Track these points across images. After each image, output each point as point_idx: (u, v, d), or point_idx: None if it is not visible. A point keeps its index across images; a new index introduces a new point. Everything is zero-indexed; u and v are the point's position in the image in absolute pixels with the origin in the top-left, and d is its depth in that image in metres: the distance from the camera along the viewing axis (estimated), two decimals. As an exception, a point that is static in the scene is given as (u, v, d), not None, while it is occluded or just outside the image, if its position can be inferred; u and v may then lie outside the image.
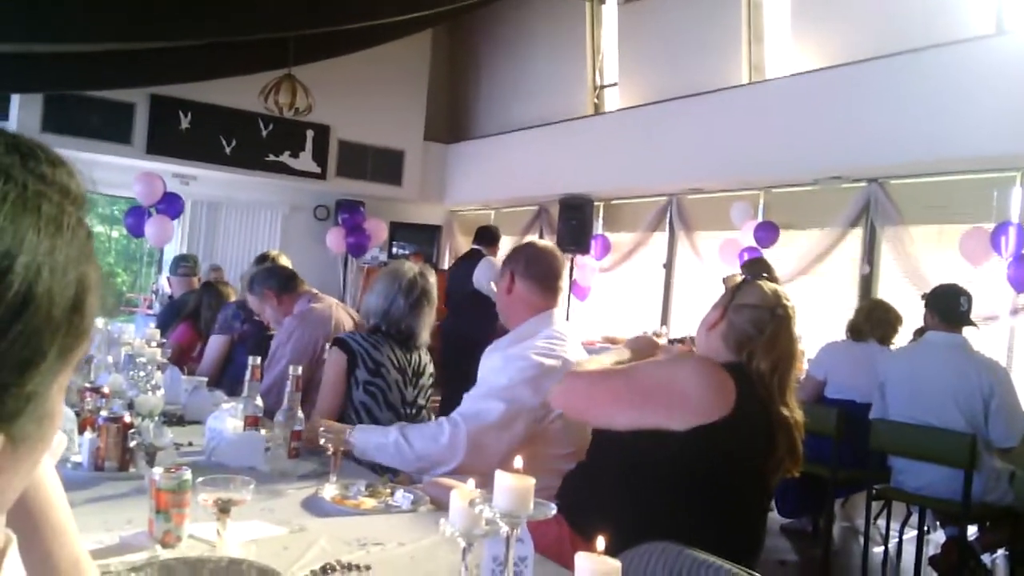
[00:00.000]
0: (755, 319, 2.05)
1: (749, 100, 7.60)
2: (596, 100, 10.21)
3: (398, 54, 10.28)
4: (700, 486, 1.97)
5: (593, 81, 10.22)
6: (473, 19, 11.38)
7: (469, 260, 6.89)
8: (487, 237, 7.05)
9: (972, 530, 4.42)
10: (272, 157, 10.32)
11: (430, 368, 3.17)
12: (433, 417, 3.20)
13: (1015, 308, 6.09)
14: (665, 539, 1.74)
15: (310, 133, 10.49)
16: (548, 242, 2.78)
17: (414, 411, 3.09)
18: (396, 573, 1.59)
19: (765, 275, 2.25)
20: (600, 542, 0.97)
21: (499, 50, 11.66)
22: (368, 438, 2.40)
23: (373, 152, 10.97)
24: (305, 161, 10.57)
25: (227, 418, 2.33)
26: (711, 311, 2.16)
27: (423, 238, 11.89)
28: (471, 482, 1.17)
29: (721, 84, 7.91)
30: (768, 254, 7.43)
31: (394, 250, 11.56)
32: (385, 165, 11.09)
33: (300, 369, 2.39)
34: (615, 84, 9.89)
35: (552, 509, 1.12)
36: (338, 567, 1.57)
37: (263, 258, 4.69)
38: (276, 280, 3.87)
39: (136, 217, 8.68)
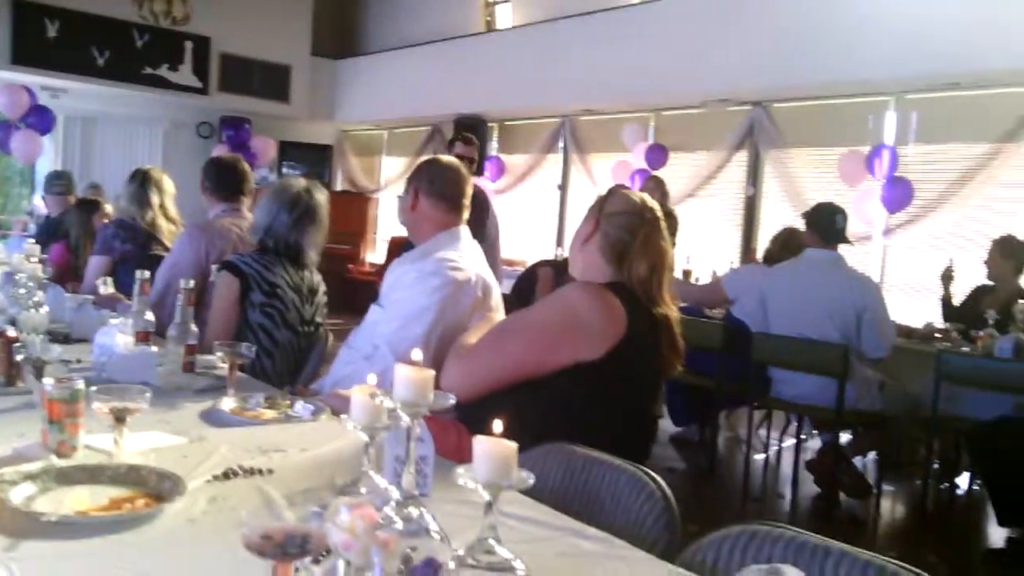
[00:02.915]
0: (627, 224, 2.12)
1: (641, 20, 7.63)
2: (488, 17, 10.05)
3: (282, -38, 9.86)
4: (601, 398, 2.04)
5: (485, -2, 10.05)
6: (362, -71, 10.96)
7: None
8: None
9: (845, 436, 4.74)
10: (149, 70, 9.79)
11: (323, 286, 3.15)
12: (331, 338, 3.19)
13: (888, 228, 6.43)
14: (565, 440, 1.81)
15: (189, 45, 9.98)
16: (452, 159, 2.76)
17: (312, 328, 3.08)
18: (299, 476, 1.59)
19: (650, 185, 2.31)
20: (497, 424, 1.00)
21: (389, -37, 11.29)
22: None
23: (258, 67, 10.55)
24: (185, 75, 10.08)
25: (116, 334, 2.26)
26: (583, 225, 2.21)
27: (314, 158, 11.60)
28: (372, 377, 1.19)
29: (614, 3, 7.91)
30: (658, 175, 7.58)
31: (283, 170, 11.23)
32: (271, 81, 10.69)
33: (192, 282, 2.33)
34: (507, 0, 9.75)
35: (451, 399, 1.15)
36: (240, 471, 1.56)
37: (135, 174, 4.44)
38: (212, 179, 3.68)
39: (1, 132, 8.13)
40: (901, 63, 5.82)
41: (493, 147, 9.79)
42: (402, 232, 2.85)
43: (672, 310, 2.13)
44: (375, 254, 11.41)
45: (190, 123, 10.95)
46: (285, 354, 2.98)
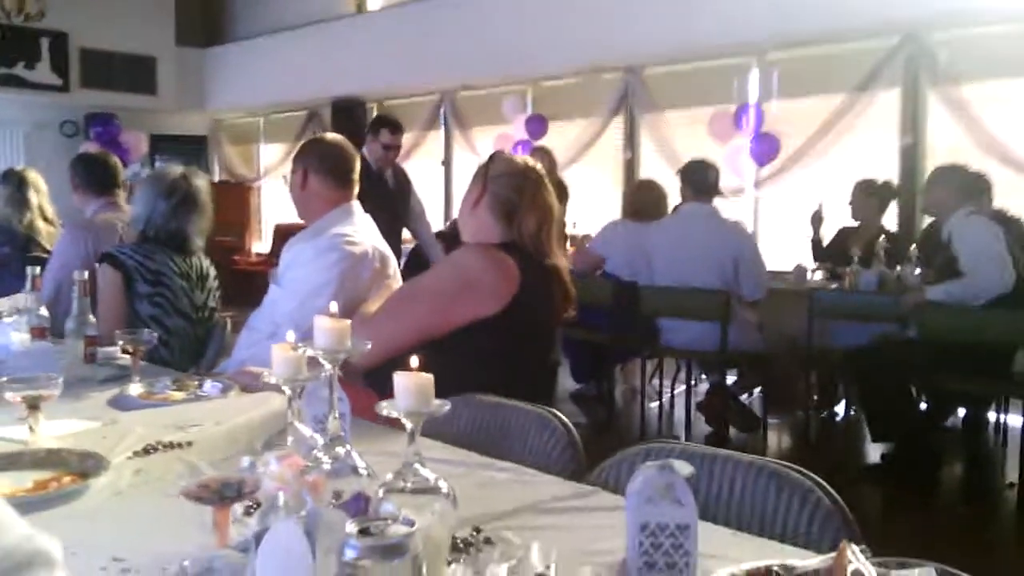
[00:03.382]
0: (513, 184, 2.23)
1: (512, -5, 7.76)
2: (359, -1, 9.99)
3: (139, -50, 9.51)
4: (502, 350, 2.15)
5: (353, -22, 9.96)
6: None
7: None
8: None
9: (731, 377, 5.03)
10: (4, 70, 9.33)
11: (213, 271, 3.15)
12: (230, 324, 3.19)
13: (758, 180, 6.78)
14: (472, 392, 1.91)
15: (45, 41, 9.55)
16: (338, 136, 2.80)
17: (206, 314, 3.08)
18: (218, 446, 1.64)
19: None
20: (414, 360, 1.09)
21: (251, -54, 11.03)
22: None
23: (120, 59, 10.18)
24: (43, 73, 9.66)
25: (10, 332, 2.24)
26: (470, 190, 2.32)
27: (188, 150, 11.26)
28: (290, 335, 1.26)
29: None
30: (543, 146, 7.75)
31: (156, 164, 10.88)
32: (136, 73, 10.33)
33: (86, 274, 2.32)
34: (377, -20, 9.70)
35: (367, 345, 1.23)
36: (160, 446, 1.61)
37: (9, 175, 4.29)
38: (82, 175, 3.58)
39: None
40: (761, 24, 6.12)
41: (374, 128, 9.75)
42: (287, 220, 2.88)
43: (561, 260, 2.26)
44: (261, 243, 11.22)
45: (53, 123, 10.47)
46: (181, 342, 2.97)
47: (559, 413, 1.75)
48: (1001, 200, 4.51)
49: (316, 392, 1.37)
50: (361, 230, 2.59)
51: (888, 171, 5.98)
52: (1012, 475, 3.96)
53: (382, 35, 8.78)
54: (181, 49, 10.74)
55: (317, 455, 1.19)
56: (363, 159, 4.13)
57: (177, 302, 2.93)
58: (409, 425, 1.05)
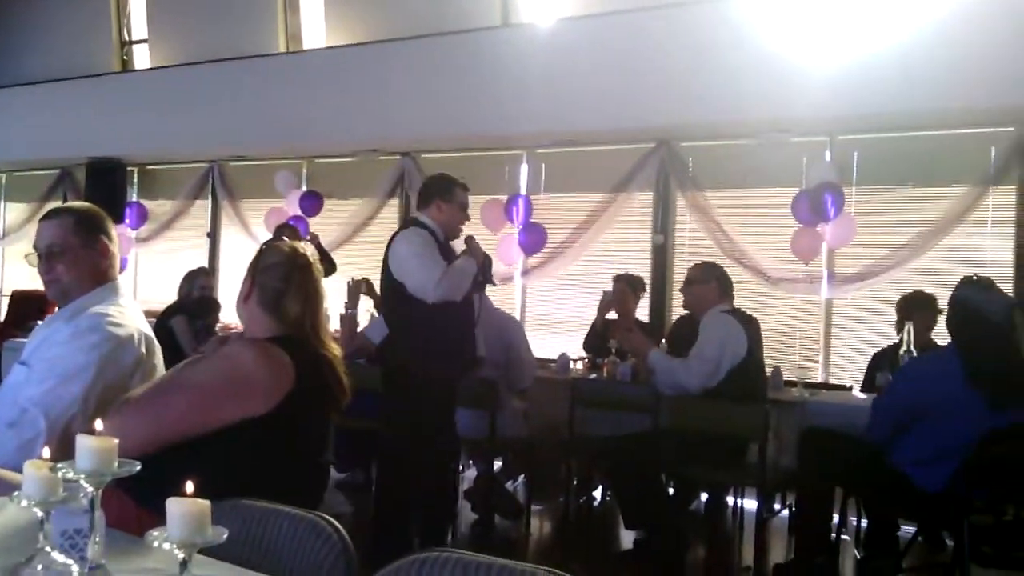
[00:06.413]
0: (281, 275, 2.21)
1: (288, 69, 7.72)
2: (125, 56, 9.53)
3: None
4: (272, 451, 2.08)
5: (120, 36, 9.51)
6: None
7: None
8: (424, 193, 4.21)
9: (497, 463, 5.12)
10: None
11: None
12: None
13: (525, 269, 7.07)
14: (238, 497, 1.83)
15: None
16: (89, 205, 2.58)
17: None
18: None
19: (286, 236, 2.42)
20: (190, 486, 1.04)
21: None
22: None
23: None
24: None
25: None
26: (243, 284, 2.27)
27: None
28: (46, 451, 1.16)
29: (259, 50, 7.91)
30: (314, 223, 7.67)
31: None
32: None
33: None
34: (145, 41, 9.32)
35: (136, 466, 1.16)
36: None
37: None
38: None
39: None
40: (531, 120, 6.47)
41: (133, 192, 9.25)
42: (30, 286, 2.63)
43: (333, 349, 2.24)
44: (-3, 311, 10.15)
45: None
46: None
47: (333, 520, 1.71)
48: (737, 301, 4.99)
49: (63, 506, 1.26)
50: (127, 311, 2.40)
51: (642, 266, 6.48)
52: (748, 557, 4.30)
53: (149, 95, 8.37)
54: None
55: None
56: (427, 229, 3.89)
57: None
58: (181, 556, 0.99)
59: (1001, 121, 5.48)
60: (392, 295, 4.03)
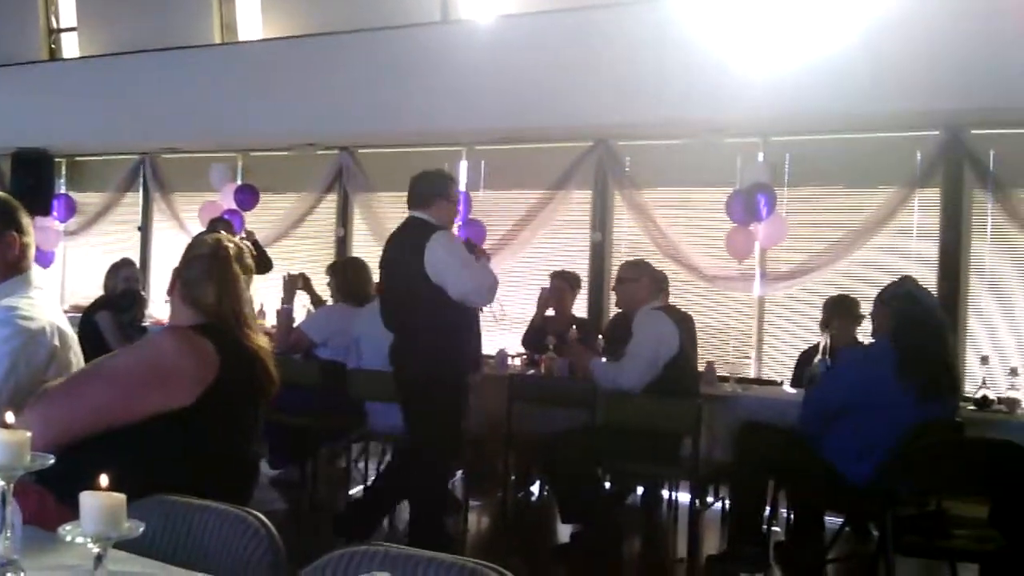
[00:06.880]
0: (203, 268, 2.20)
1: (223, 60, 7.57)
2: (53, 45, 9.24)
3: None
4: (198, 443, 2.04)
5: (48, 23, 9.22)
6: None
7: (408, 236, 4.06)
8: (424, 192, 4.11)
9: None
10: None
11: None
12: None
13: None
14: (163, 492, 1.79)
15: None
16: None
17: None
18: None
19: (220, 230, 2.40)
20: (104, 479, 1.01)
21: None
22: None
23: None
24: None
25: None
26: (170, 278, 2.26)
27: None
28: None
29: (193, 41, 7.73)
30: (249, 217, 7.55)
31: None
32: None
33: None
34: (74, 29, 9.06)
35: (50, 459, 1.13)
36: None
37: None
38: None
39: None
40: (471, 116, 6.45)
41: (61, 184, 8.98)
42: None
43: (261, 340, 2.22)
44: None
45: None
46: None
47: (261, 516, 1.69)
48: (673, 298, 5.07)
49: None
50: (38, 303, 2.32)
51: (580, 264, 6.52)
52: (682, 549, 4.37)
53: (78, 85, 8.11)
54: None
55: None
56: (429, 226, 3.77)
57: None
58: (96, 550, 0.97)
59: (926, 125, 5.64)
60: (418, 299, 3.85)
